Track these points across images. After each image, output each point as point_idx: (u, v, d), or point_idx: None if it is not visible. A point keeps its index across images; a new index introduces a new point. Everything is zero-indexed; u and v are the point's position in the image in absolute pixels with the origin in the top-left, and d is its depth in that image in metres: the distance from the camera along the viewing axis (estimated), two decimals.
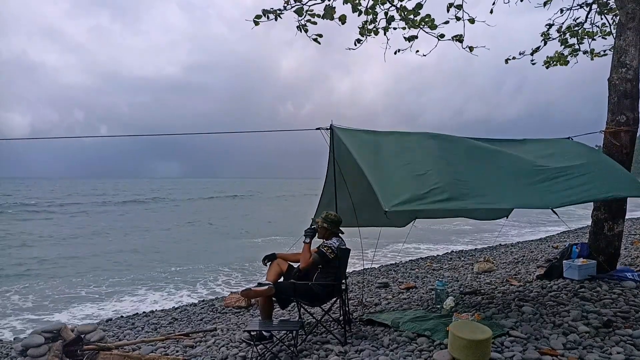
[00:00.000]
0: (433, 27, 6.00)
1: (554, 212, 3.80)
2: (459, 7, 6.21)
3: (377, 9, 6.06)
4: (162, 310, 7.81)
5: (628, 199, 5.34)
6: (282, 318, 5.46)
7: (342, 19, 5.71)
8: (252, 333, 4.03)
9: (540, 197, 3.74)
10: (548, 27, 7.54)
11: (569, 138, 5.33)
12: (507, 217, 6.42)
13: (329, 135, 4.27)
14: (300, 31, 5.75)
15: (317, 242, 4.53)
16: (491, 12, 7.08)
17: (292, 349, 3.85)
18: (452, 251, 13.15)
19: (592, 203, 5.49)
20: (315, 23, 5.73)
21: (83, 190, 65.16)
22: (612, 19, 7.05)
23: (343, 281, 4.24)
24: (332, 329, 4.37)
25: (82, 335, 4.44)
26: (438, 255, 12.46)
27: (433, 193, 3.42)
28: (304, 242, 4.19)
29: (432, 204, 3.38)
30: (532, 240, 14.70)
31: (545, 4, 7.32)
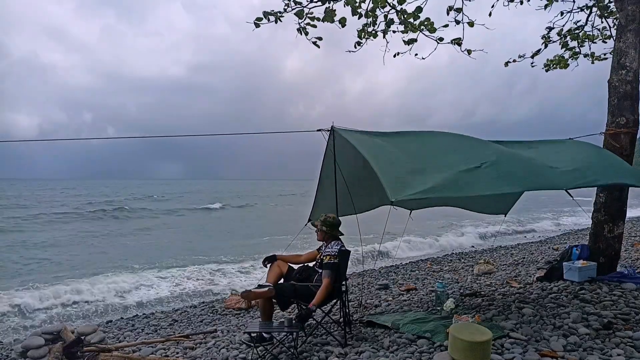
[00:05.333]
0: (432, 30, 6.01)
1: (568, 193, 3.76)
2: (459, 10, 6.22)
3: (377, 12, 6.08)
4: (162, 312, 7.81)
5: (628, 200, 5.35)
6: (282, 319, 5.46)
7: (342, 22, 5.72)
8: (252, 335, 4.03)
9: (553, 179, 3.72)
10: (549, 29, 7.56)
11: (570, 139, 5.34)
12: (505, 215, 6.42)
13: (330, 136, 4.29)
14: (301, 34, 5.76)
15: (316, 242, 4.55)
16: (490, 15, 7.10)
17: (292, 350, 3.85)
18: (452, 253, 13.15)
19: (592, 204, 5.51)
20: (315, 26, 5.75)
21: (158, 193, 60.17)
22: (612, 21, 7.07)
23: (343, 283, 4.24)
24: (332, 330, 4.37)
25: (82, 337, 4.45)
26: (438, 256, 12.45)
27: (440, 182, 3.37)
28: (311, 308, 3.92)
29: (439, 191, 3.34)
30: (532, 242, 14.68)
31: (546, 6, 7.34)
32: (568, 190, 3.68)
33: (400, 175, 3.53)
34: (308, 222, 5.16)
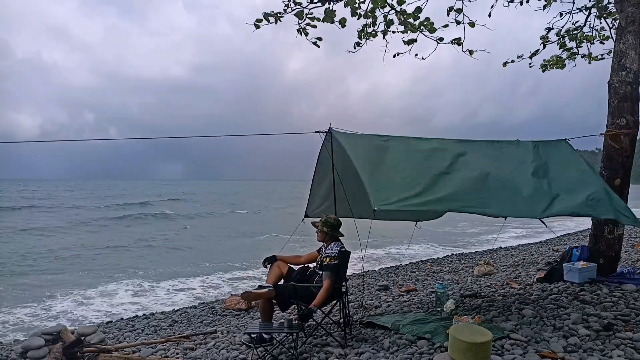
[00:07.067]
0: (432, 30, 6.02)
1: (542, 222, 3.86)
2: (459, 10, 6.23)
3: (377, 13, 6.08)
4: (162, 312, 7.80)
5: (628, 202, 5.34)
6: (282, 320, 5.46)
7: (342, 22, 5.73)
8: (252, 335, 4.03)
9: (530, 206, 3.79)
10: (547, 30, 7.58)
11: (565, 139, 5.31)
12: (505, 218, 6.40)
13: (327, 138, 4.32)
14: (301, 34, 5.77)
15: (312, 242, 4.55)
16: (489, 15, 7.12)
17: (292, 351, 3.85)
18: (452, 254, 13.14)
19: None
20: (315, 26, 5.75)
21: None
22: (611, 22, 7.08)
23: (343, 284, 4.24)
24: (332, 331, 4.36)
25: (82, 338, 4.44)
26: (438, 257, 12.44)
27: (423, 196, 3.54)
28: (312, 309, 3.94)
29: (420, 205, 3.51)
30: (532, 243, 14.67)
31: (544, 7, 7.35)
32: (542, 220, 3.76)
33: (388, 184, 3.61)
34: (305, 217, 5.36)
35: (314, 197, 5.38)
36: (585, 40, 7.54)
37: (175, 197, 55.73)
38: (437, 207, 3.63)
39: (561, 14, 7.39)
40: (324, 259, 4.16)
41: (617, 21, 5.56)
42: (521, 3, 7.25)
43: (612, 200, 4.01)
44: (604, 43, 7.46)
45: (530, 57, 7.67)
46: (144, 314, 7.80)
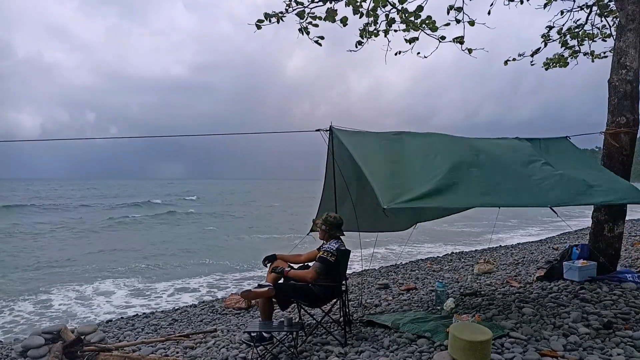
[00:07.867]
0: (434, 29, 6.01)
1: (553, 210, 3.82)
2: (459, 9, 6.22)
3: (378, 11, 6.08)
4: (162, 311, 7.81)
5: None
6: (282, 319, 5.46)
7: (344, 21, 5.72)
8: (252, 334, 4.03)
9: (539, 196, 3.77)
10: (548, 28, 7.57)
11: (566, 137, 5.32)
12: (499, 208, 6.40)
13: (329, 136, 4.31)
14: (302, 33, 5.76)
15: (316, 242, 4.55)
16: (489, 13, 7.12)
17: (292, 350, 3.85)
18: (452, 252, 13.14)
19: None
20: (316, 25, 5.75)
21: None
22: (612, 20, 7.07)
23: (343, 282, 4.24)
24: (332, 330, 4.37)
25: (82, 337, 4.45)
26: (438, 256, 12.45)
27: (431, 191, 3.48)
28: (284, 270, 4.16)
29: (430, 200, 3.44)
30: (532, 242, 14.68)
31: (545, 5, 7.35)
32: (552, 208, 3.74)
33: (395, 182, 3.58)
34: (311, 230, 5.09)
35: (325, 205, 4.97)
36: (587, 38, 7.53)
37: (183, 196, 55.69)
38: (451, 205, 3.58)
39: (562, 12, 7.38)
40: (320, 253, 4.18)
41: (618, 19, 5.55)
42: (521, 2, 7.24)
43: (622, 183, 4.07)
44: (606, 40, 7.47)
45: (532, 55, 7.67)
46: (144, 313, 7.82)
